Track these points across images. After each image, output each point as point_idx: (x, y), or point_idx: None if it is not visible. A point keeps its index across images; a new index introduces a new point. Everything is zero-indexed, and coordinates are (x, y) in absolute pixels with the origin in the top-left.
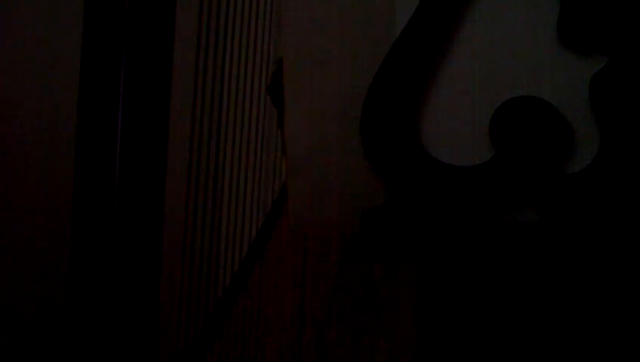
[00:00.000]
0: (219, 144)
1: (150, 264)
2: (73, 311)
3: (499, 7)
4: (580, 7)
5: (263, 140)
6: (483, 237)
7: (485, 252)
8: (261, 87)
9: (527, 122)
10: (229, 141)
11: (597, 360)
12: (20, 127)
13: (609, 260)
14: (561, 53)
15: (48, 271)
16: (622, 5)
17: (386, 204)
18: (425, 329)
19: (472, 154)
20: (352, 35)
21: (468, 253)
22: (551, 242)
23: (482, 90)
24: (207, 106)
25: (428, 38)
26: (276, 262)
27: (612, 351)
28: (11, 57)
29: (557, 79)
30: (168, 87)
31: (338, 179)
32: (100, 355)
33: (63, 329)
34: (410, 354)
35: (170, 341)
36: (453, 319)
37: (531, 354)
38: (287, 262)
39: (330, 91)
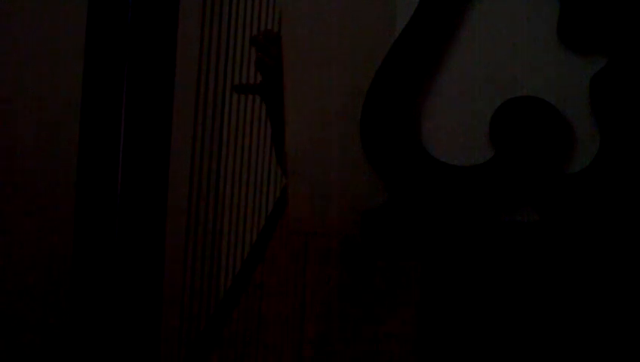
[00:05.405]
0: (221, 146)
1: (152, 265)
2: (75, 311)
3: (499, 7)
4: (580, 8)
5: (264, 142)
6: (483, 236)
7: (485, 251)
8: None
9: (527, 122)
10: (230, 143)
11: (596, 358)
12: (24, 127)
13: (608, 259)
14: (561, 53)
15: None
16: (622, 5)
17: (386, 205)
18: (425, 328)
19: (472, 154)
20: (352, 35)
21: (468, 252)
22: (550, 241)
23: (482, 90)
24: (209, 109)
25: (428, 38)
26: (277, 262)
27: (611, 350)
28: (14, 59)
29: (557, 79)
30: (171, 91)
31: (338, 179)
32: (102, 355)
33: (64, 329)
34: (411, 354)
35: (172, 341)
36: (453, 317)
37: (531, 351)
38: (288, 263)
39: (331, 91)
